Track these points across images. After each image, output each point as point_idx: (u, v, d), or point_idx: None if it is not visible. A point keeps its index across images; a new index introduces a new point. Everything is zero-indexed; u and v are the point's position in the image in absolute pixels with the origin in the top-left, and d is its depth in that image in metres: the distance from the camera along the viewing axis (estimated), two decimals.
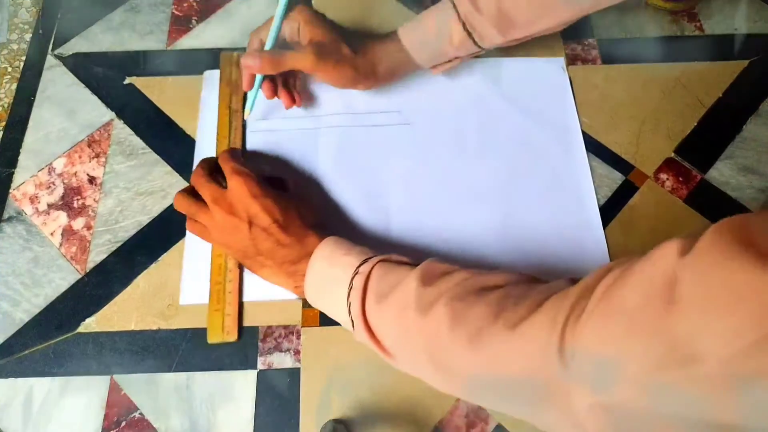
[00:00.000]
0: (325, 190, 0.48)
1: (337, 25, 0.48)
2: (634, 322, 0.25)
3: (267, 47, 0.46)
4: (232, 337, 0.43)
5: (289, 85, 0.50)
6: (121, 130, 0.51)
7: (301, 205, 0.43)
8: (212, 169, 0.44)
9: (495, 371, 0.32)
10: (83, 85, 0.54)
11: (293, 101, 0.49)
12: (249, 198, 0.40)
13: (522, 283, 0.35)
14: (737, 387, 0.22)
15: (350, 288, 0.37)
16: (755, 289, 0.21)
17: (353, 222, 0.47)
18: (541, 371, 0.29)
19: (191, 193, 0.43)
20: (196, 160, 0.49)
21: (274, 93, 0.49)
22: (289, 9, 0.45)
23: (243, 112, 0.51)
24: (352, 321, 0.38)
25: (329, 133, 0.51)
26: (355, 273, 0.38)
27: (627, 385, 0.25)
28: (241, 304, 0.44)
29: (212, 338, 0.43)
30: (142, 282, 0.45)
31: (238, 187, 0.41)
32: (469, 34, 0.46)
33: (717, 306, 0.22)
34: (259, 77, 0.47)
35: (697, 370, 0.23)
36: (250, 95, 0.49)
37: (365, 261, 0.38)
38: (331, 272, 0.39)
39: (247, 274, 0.45)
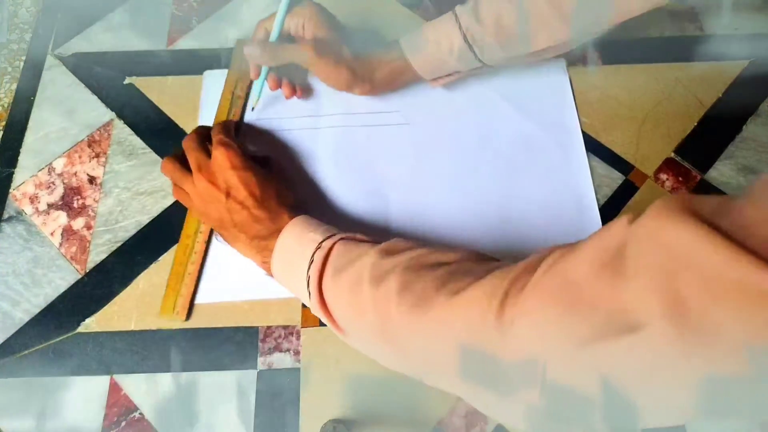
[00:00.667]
0: (321, 187, 0.49)
1: (342, 25, 0.48)
2: (579, 291, 0.26)
3: (272, 38, 0.46)
4: (182, 316, 0.43)
5: (293, 78, 0.51)
6: (121, 130, 0.51)
7: (281, 184, 0.43)
8: (205, 137, 0.44)
9: (436, 338, 0.32)
10: (83, 85, 0.54)
11: (294, 92, 0.50)
12: (229, 169, 0.41)
13: (475, 260, 0.36)
14: (682, 353, 0.22)
15: (310, 262, 0.38)
16: (697, 252, 0.22)
17: (352, 221, 0.47)
18: (480, 339, 0.29)
19: (180, 160, 0.44)
20: None
21: (278, 84, 0.50)
22: (295, 3, 0.46)
23: (246, 101, 0.52)
24: (309, 293, 0.38)
25: (329, 133, 0.51)
26: (317, 248, 0.38)
27: (561, 355, 0.26)
28: (196, 288, 0.45)
29: (163, 313, 0.44)
30: (142, 282, 0.45)
31: (220, 156, 0.42)
32: (470, 47, 0.45)
33: (661, 269, 0.23)
34: (265, 68, 0.48)
35: (638, 337, 0.23)
36: (256, 85, 0.49)
37: (328, 237, 0.38)
38: (296, 248, 0.39)
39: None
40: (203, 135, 0.44)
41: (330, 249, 0.38)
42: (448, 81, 0.50)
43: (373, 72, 0.48)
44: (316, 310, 0.38)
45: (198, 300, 0.44)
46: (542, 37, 0.45)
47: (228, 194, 0.41)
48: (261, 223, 0.41)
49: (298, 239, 0.39)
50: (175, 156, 0.44)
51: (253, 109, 0.51)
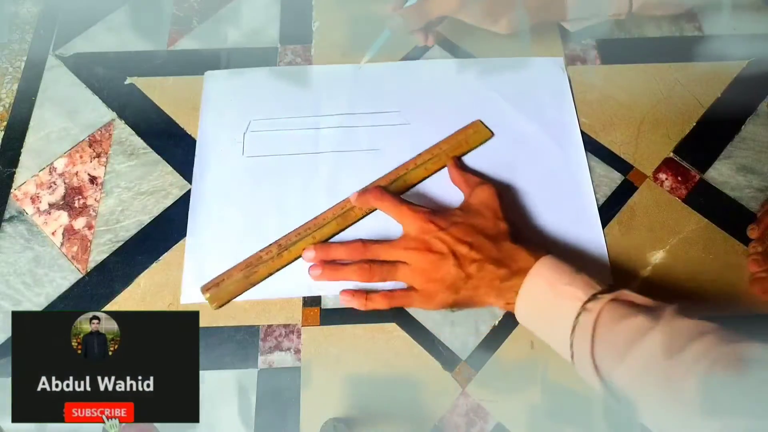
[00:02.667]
0: (321, 186, 0.49)
1: None
2: None
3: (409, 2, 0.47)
4: (213, 304, 0.44)
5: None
6: (122, 130, 0.52)
7: (479, 214, 0.43)
8: (361, 241, 0.44)
9: None
10: (84, 85, 0.54)
11: (427, 39, 0.51)
12: (440, 231, 0.41)
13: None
14: None
15: (575, 324, 0.36)
16: None
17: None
18: None
19: (365, 266, 0.42)
20: (197, 160, 0.50)
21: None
22: None
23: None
24: (573, 354, 0.37)
25: (329, 133, 0.51)
26: (582, 309, 0.36)
27: None
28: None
29: (205, 291, 0.44)
30: (143, 281, 0.45)
31: (422, 224, 0.42)
32: None
33: None
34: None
35: None
36: (379, 40, 0.50)
37: (593, 297, 0.37)
38: (551, 300, 0.38)
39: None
40: (360, 241, 0.44)
41: (598, 314, 0.36)
42: (583, 25, 0.51)
43: (512, 4, 0.47)
44: (588, 376, 0.36)
45: (198, 300, 0.44)
46: None
47: (454, 253, 0.41)
48: (496, 263, 0.40)
49: (553, 289, 0.38)
50: (360, 265, 0.43)
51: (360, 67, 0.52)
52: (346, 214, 0.46)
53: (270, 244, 0.46)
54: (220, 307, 0.44)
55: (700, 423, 0.31)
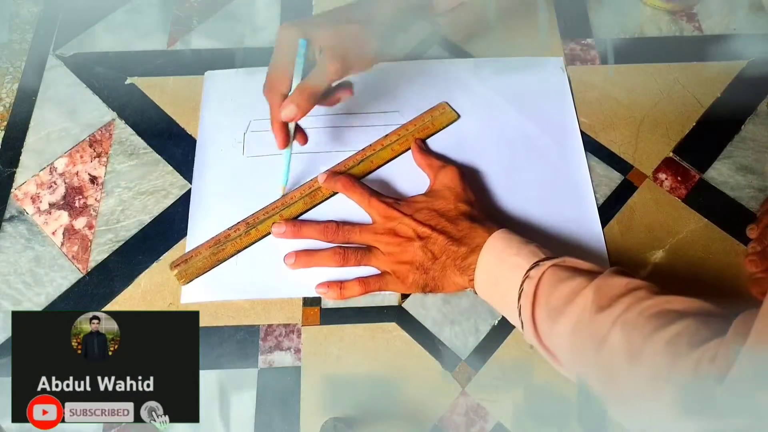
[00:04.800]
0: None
1: (329, 13, 0.44)
2: None
3: (295, 83, 0.42)
4: (181, 280, 0.45)
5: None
6: (123, 130, 0.52)
7: (442, 197, 0.45)
8: (336, 223, 0.45)
9: (657, 390, 0.31)
10: (84, 85, 0.54)
11: (348, 89, 0.46)
12: (405, 217, 0.43)
13: (699, 315, 0.34)
14: None
15: (520, 291, 0.38)
16: None
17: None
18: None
19: (339, 251, 0.44)
20: (197, 160, 0.50)
21: (306, 137, 0.48)
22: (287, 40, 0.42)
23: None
24: (522, 322, 0.38)
25: (329, 132, 0.51)
26: (526, 276, 0.38)
27: None
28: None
29: (172, 267, 0.45)
30: (144, 281, 0.45)
31: (388, 213, 0.44)
32: None
33: None
34: (288, 151, 0.45)
35: None
36: (285, 159, 0.46)
37: (536, 264, 0.38)
38: (501, 272, 0.40)
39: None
40: (334, 223, 0.45)
41: (539, 279, 0.37)
42: (456, 3, 0.49)
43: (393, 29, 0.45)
44: (530, 339, 0.38)
45: (198, 299, 0.44)
46: None
47: (418, 236, 0.43)
48: (459, 242, 0.42)
49: (502, 261, 0.40)
50: (335, 250, 0.44)
51: (282, 195, 0.48)
52: (313, 193, 0.48)
53: (238, 222, 0.46)
54: (188, 283, 0.45)
55: (628, 372, 0.33)
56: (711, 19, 0.58)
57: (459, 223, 0.43)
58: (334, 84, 0.43)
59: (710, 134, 0.52)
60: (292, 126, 0.45)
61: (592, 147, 0.51)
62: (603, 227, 0.47)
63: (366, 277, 0.44)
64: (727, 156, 0.51)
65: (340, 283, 0.44)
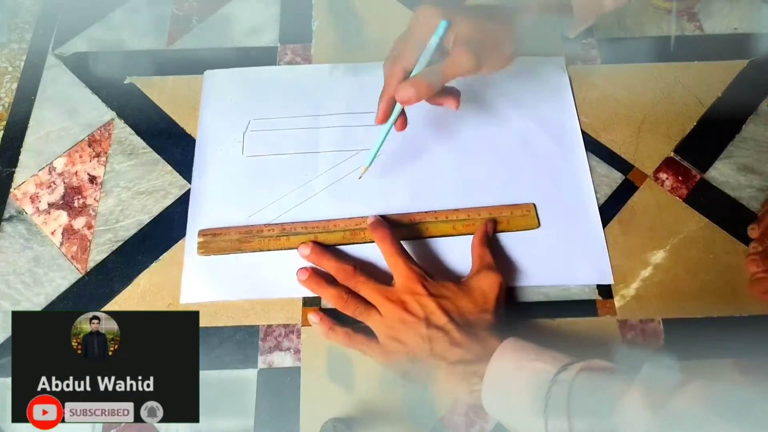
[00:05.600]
0: (321, 186, 0.49)
1: (470, 7, 0.43)
2: None
3: (417, 71, 0.41)
4: (201, 251, 0.45)
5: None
6: (122, 130, 0.52)
7: (475, 299, 0.41)
8: (353, 267, 0.42)
9: None
10: (84, 85, 0.54)
11: (457, 99, 0.44)
12: (426, 296, 0.40)
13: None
14: None
15: (548, 398, 0.34)
16: None
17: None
18: None
19: (350, 294, 0.42)
20: (197, 160, 0.50)
21: (406, 123, 0.45)
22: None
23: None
24: None
25: (329, 132, 0.51)
26: (554, 382, 0.34)
27: None
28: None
29: (200, 236, 0.46)
30: (143, 281, 0.45)
31: (410, 282, 0.41)
32: None
33: None
34: (394, 114, 0.43)
35: None
36: (379, 138, 0.44)
37: (564, 368, 0.35)
38: (518, 378, 0.36)
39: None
40: (352, 267, 0.42)
41: (571, 384, 0.33)
42: (579, 29, 0.49)
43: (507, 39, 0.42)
44: None
45: (198, 299, 0.44)
46: None
47: (428, 321, 0.39)
48: (464, 347, 0.38)
49: (519, 367, 0.36)
50: (340, 292, 0.42)
51: (360, 177, 0.47)
52: (355, 232, 0.46)
53: (276, 223, 0.46)
54: (205, 255, 0.45)
55: None
56: (712, 18, 0.58)
57: (475, 329, 0.39)
58: (451, 83, 0.41)
59: (711, 134, 0.51)
60: (399, 107, 0.42)
61: (593, 147, 0.51)
62: (604, 227, 0.47)
63: (356, 333, 0.42)
64: (728, 156, 0.51)
65: (331, 324, 0.42)
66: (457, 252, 0.46)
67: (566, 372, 0.34)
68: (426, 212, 0.47)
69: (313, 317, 0.43)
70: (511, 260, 0.46)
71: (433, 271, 0.43)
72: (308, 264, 0.45)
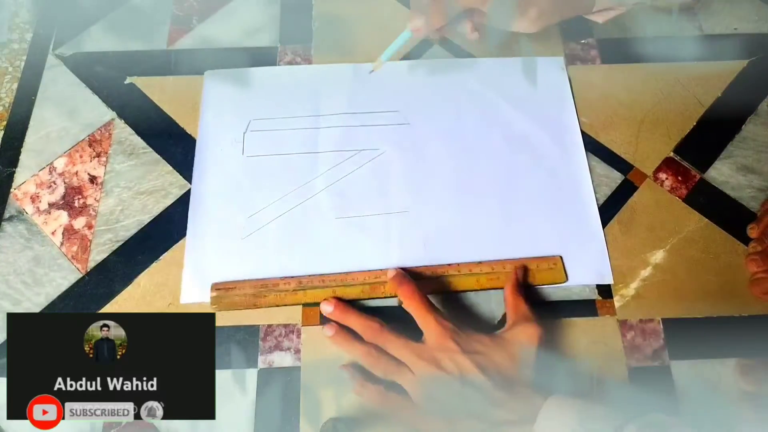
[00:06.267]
0: (321, 186, 0.49)
1: None
2: None
3: None
4: (215, 307, 0.44)
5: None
6: (122, 130, 0.52)
7: (511, 353, 0.39)
8: (380, 324, 0.41)
9: None
10: (84, 85, 0.54)
11: (476, 30, 0.46)
12: (459, 353, 0.38)
13: None
14: None
15: None
16: None
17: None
18: None
19: (379, 351, 0.40)
20: (197, 160, 0.50)
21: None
22: None
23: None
24: None
25: (329, 132, 0.51)
26: None
27: None
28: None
29: (213, 291, 0.44)
30: (143, 281, 0.45)
31: (442, 340, 0.39)
32: None
33: None
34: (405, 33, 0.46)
35: None
36: (401, 37, 0.46)
37: (623, 426, 0.33)
38: None
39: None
40: (379, 324, 0.41)
41: None
42: (612, 15, 0.48)
43: None
44: None
45: (198, 299, 0.44)
46: None
47: (463, 380, 0.37)
48: (505, 407, 0.36)
49: (571, 426, 0.34)
50: (370, 350, 0.40)
51: (371, 72, 0.48)
52: (375, 286, 0.44)
53: (292, 277, 0.45)
54: (219, 311, 0.44)
55: None
56: (712, 18, 0.58)
57: (514, 386, 0.37)
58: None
59: (711, 134, 0.52)
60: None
61: (593, 147, 0.51)
62: (603, 227, 0.47)
63: (388, 391, 0.39)
64: (728, 156, 0.51)
65: (362, 380, 0.40)
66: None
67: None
68: (449, 265, 0.45)
69: (345, 371, 0.41)
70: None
71: (462, 326, 0.41)
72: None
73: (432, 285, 0.44)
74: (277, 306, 0.44)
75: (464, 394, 0.37)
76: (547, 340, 0.40)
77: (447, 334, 0.39)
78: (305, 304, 0.44)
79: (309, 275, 0.45)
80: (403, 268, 0.44)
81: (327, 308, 0.43)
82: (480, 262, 0.45)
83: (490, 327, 0.44)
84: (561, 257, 0.45)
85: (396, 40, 0.44)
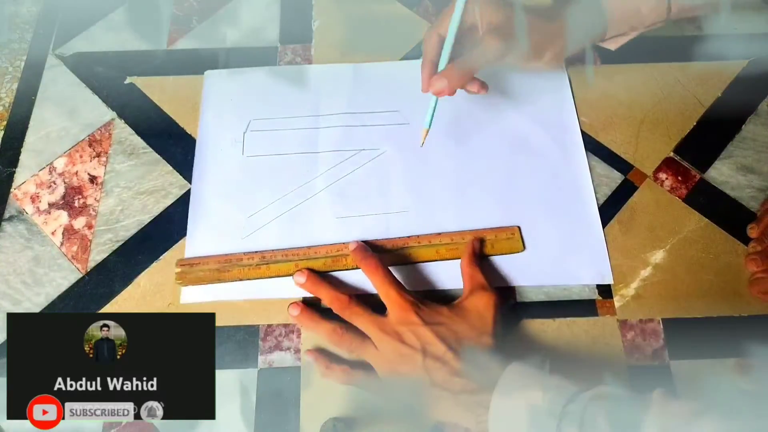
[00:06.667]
0: (321, 187, 0.49)
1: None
2: None
3: (447, 44, 0.43)
4: (180, 282, 0.44)
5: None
6: (122, 130, 0.52)
7: (473, 325, 0.40)
8: (349, 297, 0.42)
9: None
10: (84, 85, 0.54)
11: (484, 86, 0.46)
12: (421, 325, 0.39)
13: None
14: None
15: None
16: None
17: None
18: None
19: (345, 328, 0.41)
20: (197, 160, 0.50)
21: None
22: None
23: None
24: None
25: (329, 132, 0.51)
26: (563, 415, 0.33)
27: None
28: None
29: (177, 265, 0.45)
30: (143, 281, 0.45)
31: (402, 312, 0.40)
32: None
33: None
34: (434, 98, 0.45)
35: None
36: (431, 103, 0.45)
37: (572, 399, 0.34)
38: (525, 411, 0.35)
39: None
40: (348, 297, 0.42)
41: (582, 416, 0.33)
42: (624, 41, 0.50)
43: (560, 33, 0.45)
44: None
45: (198, 299, 0.44)
46: None
47: (425, 352, 0.38)
48: (466, 377, 0.37)
49: (525, 399, 0.35)
50: (335, 327, 0.41)
51: (422, 145, 0.46)
52: (337, 258, 0.45)
53: (255, 252, 0.45)
54: (184, 286, 0.44)
55: None
56: (711, 18, 0.58)
57: (475, 355, 0.39)
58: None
59: (711, 134, 0.52)
60: (433, 98, 0.44)
61: (593, 147, 0.51)
62: (603, 227, 0.47)
63: (354, 369, 0.41)
64: (728, 156, 0.51)
65: (327, 362, 0.42)
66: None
67: (574, 404, 0.34)
68: (408, 237, 0.46)
69: (309, 356, 0.42)
70: (502, 275, 0.45)
71: (423, 297, 0.42)
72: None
73: (393, 257, 0.45)
74: (241, 280, 0.44)
75: (427, 366, 0.38)
76: (501, 306, 0.42)
77: (409, 307, 0.40)
78: (269, 278, 0.45)
79: (272, 250, 0.45)
80: (364, 241, 0.45)
81: (300, 279, 0.44)
82: (438, 233, 0.46)
83: (452, 299, 0.44)
84: (519, 227, 0.47)
85: (429, 106, 0.46)
